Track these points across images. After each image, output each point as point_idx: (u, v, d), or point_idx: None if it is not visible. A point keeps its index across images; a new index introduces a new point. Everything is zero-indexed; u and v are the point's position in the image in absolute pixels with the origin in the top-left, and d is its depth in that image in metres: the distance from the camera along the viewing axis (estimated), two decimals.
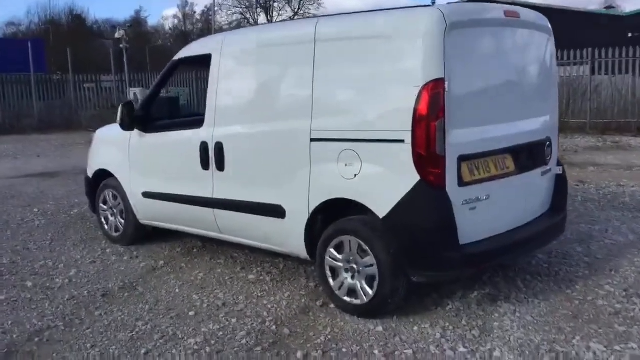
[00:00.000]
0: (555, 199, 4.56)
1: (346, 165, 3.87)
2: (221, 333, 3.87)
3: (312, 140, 4.04)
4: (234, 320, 4.06)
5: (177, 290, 4.67)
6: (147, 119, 5.40)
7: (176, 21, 60.03)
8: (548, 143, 4.42)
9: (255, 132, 4.42)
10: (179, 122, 5.49)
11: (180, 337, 3.84)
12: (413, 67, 3.56)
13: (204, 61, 4.89)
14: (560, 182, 4.58)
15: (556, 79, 4.75)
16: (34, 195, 8.70)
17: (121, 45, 22.94)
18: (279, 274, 4.94)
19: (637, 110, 14.84)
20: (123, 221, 5.81)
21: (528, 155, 4.19)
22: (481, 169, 3.81)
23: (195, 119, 5.21)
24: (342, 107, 3.94)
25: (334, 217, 4.13)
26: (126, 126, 5.29)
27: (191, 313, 4.21)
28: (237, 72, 4.64)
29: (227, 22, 43.91)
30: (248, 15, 47.72)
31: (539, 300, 4.20)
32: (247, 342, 3.74)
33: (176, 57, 5.22)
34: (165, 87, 5.44)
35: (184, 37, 56.54)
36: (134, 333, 3.92)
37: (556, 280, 4.57)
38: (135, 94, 22.38)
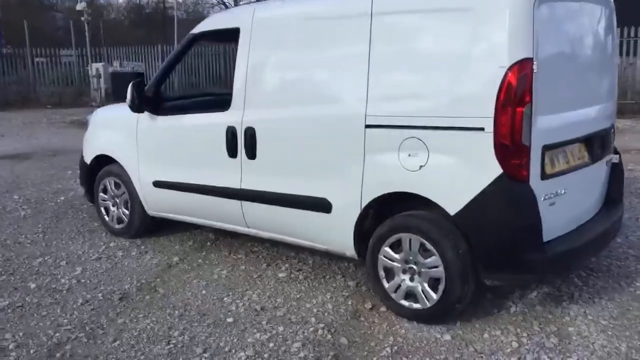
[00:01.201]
0: (612, 190, 4.24)
1: (409, 155, 3.45)
2: (272, 344, 3.45)
3: (367, 126, 3.61)
4: (280, 328, 3.63)
5: (203, 292, 4.20)
6: (158, 99, 4.85)
7: None
8: (613, 129, 4.10)
9: (296, 116, 3.96)
10: (197, 104, 4.99)
11: (226, 349, 3.41)
12: (497, 45, 3.15)
13: (230, 35, 4.39)
14: (617, 172, 4.27)
15: (617, 60, 4.41)
16: (10, 180, 8.00)
17: (82, 18, 21.76)
18: (310, 272, 4.52)
19: None
20: (127, 212, 5.27)
21: (599, 143, 3.86)
22: (561, 159, 3.46)
23: (214, 100, 4.70)
24: (406, 90, 3.51)
25: (389, 212, 3.72)
26: (137, 108, 4.74)
27: (229, 319, 3.76)
28: (273, 48, 4.14)
29: None
30: None
31: (605, 300, 3.91)
32: (306, 355, 3.32)
33: (195, 31, 4.67)
34: (179, 64, 4.82)
35: (138, 10, 54.71)
36: (171, 345, 3.46)
37: (612, 275, 4.30)
38: (97, 69, 21.43)
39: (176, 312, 3.89)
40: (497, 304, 3.86)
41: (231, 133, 4.26)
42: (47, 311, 3.94)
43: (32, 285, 4.34)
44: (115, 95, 21.27)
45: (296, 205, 4.05)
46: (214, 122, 4.41)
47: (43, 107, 20.45)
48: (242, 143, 4.21)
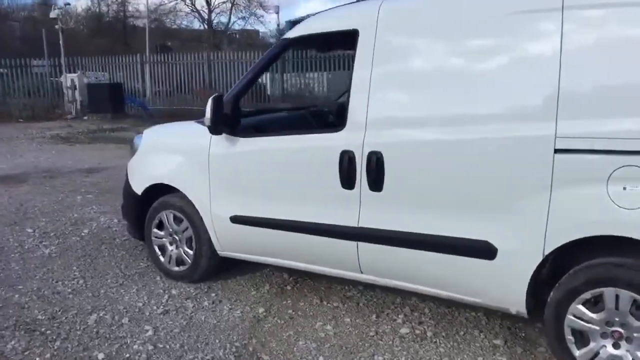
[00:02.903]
0: None
1: (625, 188, 2.69)
2: None
3: (557, 151, 2.84)
4: None
5: (320, 358, 3.35)
6: (236, 117, 3.99)
7: (89, 2, 55.97)
8: None
9: (446, 138, 3.16)
10: (293, 123, 4.13)
11: None
12: None
13: (342, 39, 3.60)
14: None
15: None
16: (14, 208, 6.96)
17: (57, 26, 20.52)
18: (435, 325, 3.77)
19: None
20: (191, 252, 4.37)
21: None
22: None
23: (316, 118, 3.87)
24: (618, 104, 2.75)
25: (572, 259, 2.96)
26: (217, 129, 3.87)
27: None
28: (408, 53, 3.35)
29: (157, 4, 41.02)
30: None
31: None
32: None
33: (291, 35, 3.83)
34: (264, 74, 3.98)
35: (97, 19, 53.15)
36: None
37: None
38: (72, 80, 20.26)
39: None
40: None
41: (347, 159, 3.44)
42: None
43: (100, 356, 3.42)
44: (91, 108, 20.18)
45: (440, 249, 3.26)
46: (322, 146, 3.59)
47: (15, 120, 19.17)
48: (363, 171, 3.41)
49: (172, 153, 4.41)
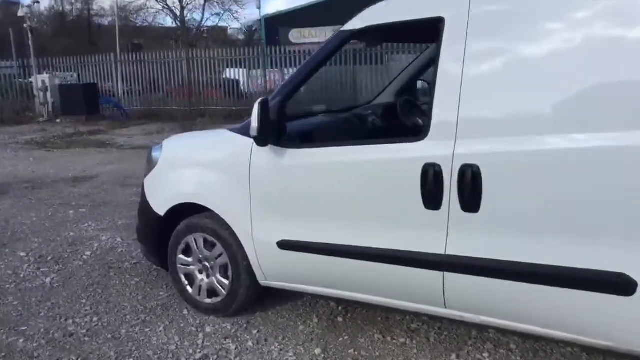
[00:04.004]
0: None
1: None
2: None
3: None
4: None
5: None
6: (284, 125, 3.38)
7: (52, 1, 54.25)
8: None
9: (566, 147, 2.59)
10: (354, 130, 3.51)
11: None
12: None
13: (420, 30, 3.00)
14: None
15: None
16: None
17: (25, 25, 19.48)
18: None
19: None
20: (226, 281, 3.75)
21: None
22: None
23: (384, 123, 3.27)
24: None
25: None
26: (267, 139, 3.26)
27: None
28: (514, 44, 2.75)
29: (127, 1, 39.80)
30: None
31: None
32: None
33: (353, 26, 3.22)
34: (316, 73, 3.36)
35: (61, 18, 51.73)
36: None
37: None
38: (43, 81, 19.29)
39: None
40: None
41: (433, 173, 2.85)
42: None
43: None
44: (64, 110, 19.22)
45: (558, 283, 2.70)
46: (398, 158, 3.00)
47: None
48: (454, 188, 2.82)
49: (202, 167, 3.76)
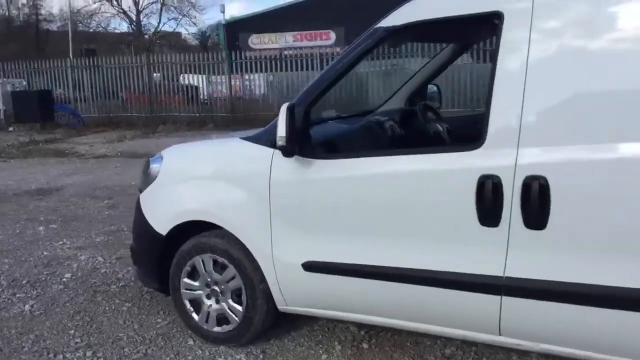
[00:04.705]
0: None
1: None
2: None
3: None
4: None
5: None
6: (309, 133, 3.02)
7: None
8: None
9: None
10: (390, 139, 3.16)
11: None
12: None
13: (472, 26, 2.69)
14: None
15: None
16: None
17: None
18: None
19: None
20: (239, 307, 3.35)
21: None
22: None
23: (426, 130, 2.94)
24: None
25: None
26: (293, 148, 2.89)
27: None
28: (587, 41, 2.46)
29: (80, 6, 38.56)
30: None
31: None
32: None
33: (390, 23, 2.87)
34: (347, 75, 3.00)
35: (7, 23, 50.00)
36: None
37: None
38: None
39: None
40: None
41: (491, 186, 2.53)
42: None
43: None
44: (17, 118, 18.33)
45: (636, 307, 2.40)
46: (448, 169, 2.69)
47: None
48: (516, 202, 2.52)
49: (211, 180, 3.36)
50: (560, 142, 2.46)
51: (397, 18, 2.83)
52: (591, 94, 2.41)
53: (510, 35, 2.55)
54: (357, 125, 3.75)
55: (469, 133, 4.26)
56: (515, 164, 2.52)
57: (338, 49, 19.68)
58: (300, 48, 23.62)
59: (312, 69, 17.71)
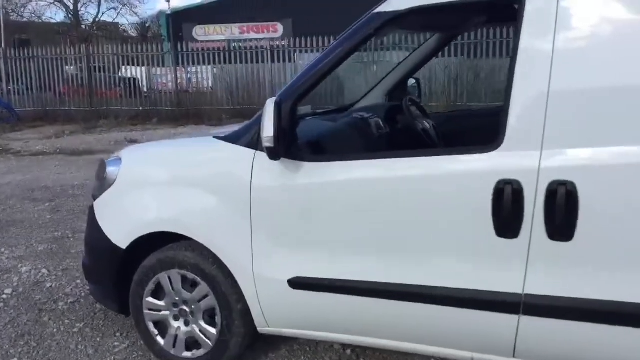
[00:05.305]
0: None
1: None
2: None
3: None
4: None
5: None
6: (295, 132, 2.66)
7: None
8: None
9: None
10: (390, 137, 2.82)
11: None
12: None
13: (488, 13, 2.38)
14: None
15: None
16: None
17: None
18: None
19: None
20: (213, 330, 2.96)
21: None
22: None
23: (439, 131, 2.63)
24: None
25: None
26: (282, 150, 2.50)
27: None
28: (625, 28, 2.18)
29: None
30: None
31: None
32: None
33: (392, 7, 2.50)
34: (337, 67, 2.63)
35: None
36: None
37: None
38: None
39: None
40: None
41: (511, 192, 2.24)
42: None
43: None
44: None
45: None
46: (461, 173, 2.37)
47: None
48: (539, 211, 2.23)
49: (180, 186, 2.94)
50: (590, 142, 2.18)
51: (400, 2, 2.48)
52: (630, 88, 2.12)
53: (533, 20, 2.25)
54: (342, 122, 3.39)
55: (455, 130, 4.00)
56: (539, 167, 2.22)
57: (285, 42, 19.28)
58: (248, 40, 23.10)
59: (263, 62, 17.25)
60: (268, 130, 2.42)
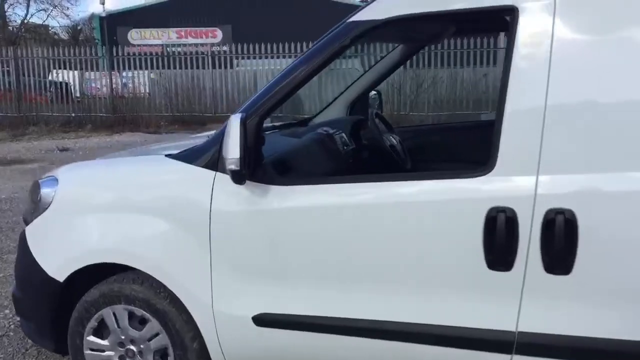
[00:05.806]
0: None
1: None
2: None
3: None
4: None
5: None
6: (261, 152, 2.39)
7: None
8: None
9: None
10: (375, 156, 2.60)
11: None
12: None
13: (476, 24, 2.23)
14: None
15: None
16: None
17: None
18: None
19: None
20: None
21: None
22: None
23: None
24: None
25: None
26: (246, 174, 2.22)
27: None
28: (628, 43, 2.01)
29: None
30: None
31: None
32: None
33: (371, 16, 2.26)
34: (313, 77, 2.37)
35: None
36: None
37: None
38: None
39: None
40: None
41: (504, 221, 2.04)
42: None
43: None
44: None
45: None
46: (448, 199, 2.15)
47: None
48: (534, 241, 2.04)
49: (127, 211, 2.60)
50: (591, 167, 2.00)
51: (377, 11, 2.25)
52: (635, 104, 1.96)
53: (527, 34, 2.06)
54: (308, 139, 3.13)
55: (421, 145, 3.81)
56: (535, 193, 2.04)
57: (225, 48, 18.91)
58: (185, 45, 22.56)
59: (203, 67, 16.81)
60: (233, 151, 2.13)
